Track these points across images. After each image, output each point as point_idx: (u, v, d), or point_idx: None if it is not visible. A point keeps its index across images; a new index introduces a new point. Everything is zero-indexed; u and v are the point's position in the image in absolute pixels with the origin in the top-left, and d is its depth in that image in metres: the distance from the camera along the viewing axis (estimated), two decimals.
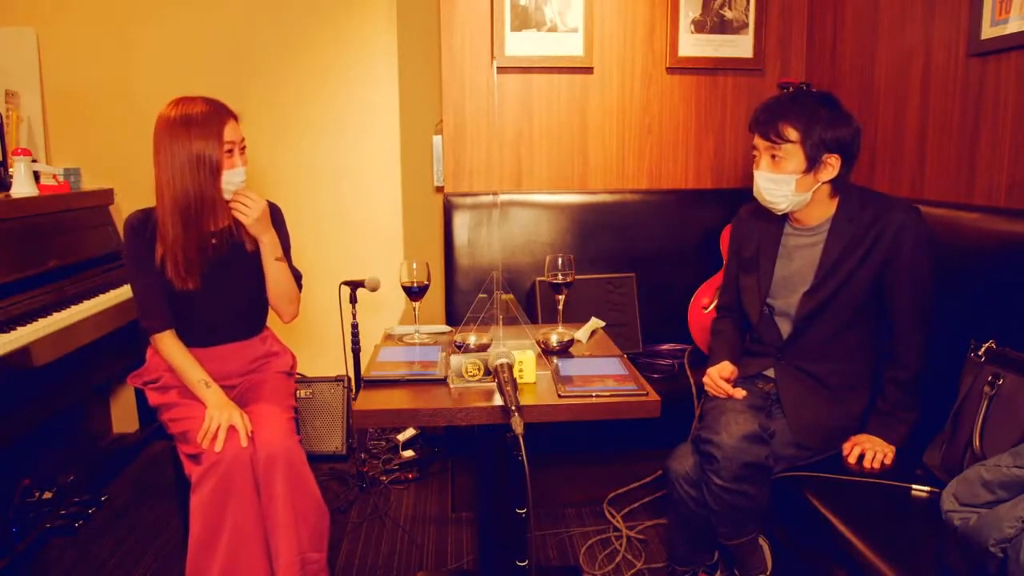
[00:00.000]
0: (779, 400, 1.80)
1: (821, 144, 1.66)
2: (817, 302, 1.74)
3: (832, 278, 1.72)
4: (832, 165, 1.69)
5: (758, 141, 1.74)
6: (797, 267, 1.80)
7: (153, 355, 1.84)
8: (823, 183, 1.71)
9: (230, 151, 1.72)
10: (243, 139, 1.77)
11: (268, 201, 1.87)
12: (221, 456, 1.60)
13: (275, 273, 1.84)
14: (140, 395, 2.95)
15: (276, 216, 1.90)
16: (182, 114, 1.68)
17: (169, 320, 1.77)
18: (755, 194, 1.77)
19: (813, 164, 1.68)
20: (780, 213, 1.77)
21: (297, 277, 1.94)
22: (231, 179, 1.73)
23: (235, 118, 1.76)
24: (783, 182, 1.70)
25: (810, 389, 1.77)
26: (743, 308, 1.92)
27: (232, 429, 1.66)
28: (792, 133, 1.67)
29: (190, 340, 1.81)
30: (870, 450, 1.68)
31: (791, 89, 1.79)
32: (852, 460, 1.69)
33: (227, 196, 1.75)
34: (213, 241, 1.77)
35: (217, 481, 1.59)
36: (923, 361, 1.70)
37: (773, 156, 1.71)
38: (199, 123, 1.68)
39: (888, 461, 1.67)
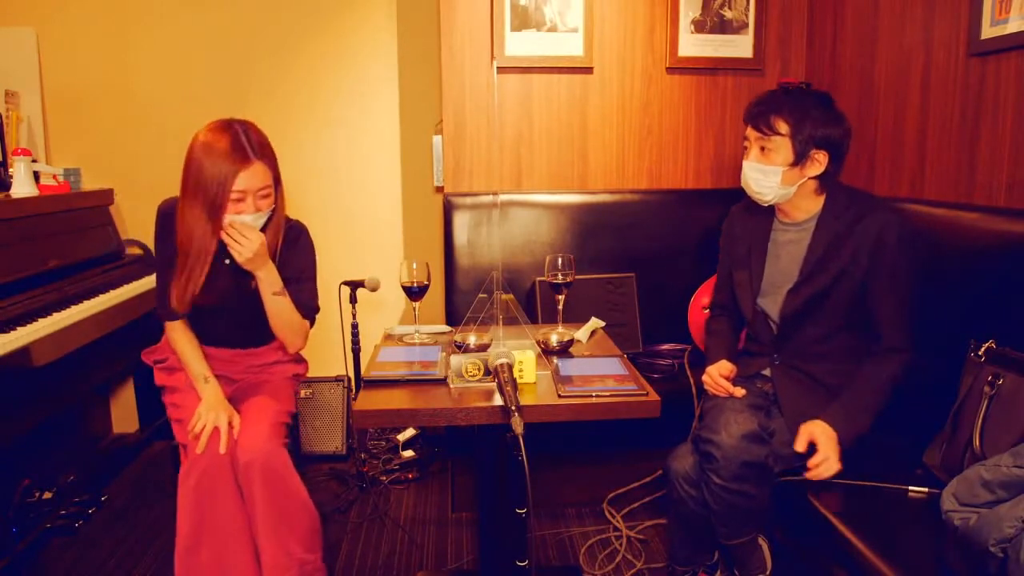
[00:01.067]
0: (777, 400, 1.80)
1: (810, 140, 1.70)
2: (802, 300, 1.75)
3: (817, 275, 1.73)
4: (819, 161, 1.71)
5: (749, 132, 1.77)
6: (784, 264, 1.82)
7: (167, 342, 1.87)
8: (809, 178, 1.73)
9: (239, 199, 1.62)
10: (267, 186, 1.65)
11: (295, 221, 1.83)
12: (201, 456, 1.62)
13: (274, 307, 1.74)
14: (140, 395, 2.95)
15: (301, 239, 1.83)
16: (207, 143, 1.61)
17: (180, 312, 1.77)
18: (743, 183, 1.81)
19: (800, 159, 1.71)
20: (766, 204, 1.80)
21: (312, 310, 1.84)
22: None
23: (263, 160, 1.63)
24: (770, 173, 1.73)
25: (808, 389, 1.77)
26: (738, 306, 1.93)
27: (216, 431, 1.66)
28: (782, 126, 1.70)
29: (204, 341, 1.83)
30: (822, 455, 1.61)
31: (790, 87, 1.82)
32: (801, 447, 1.64)
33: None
34: (227, 261, 1.73)
35: (199, 478, 1.60)
36: (903, 362, 1.70)
37: (763, 148, 1.74)
38: (215, 159, 1.59)
39: (830, 473, 1.60)
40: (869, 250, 1.69)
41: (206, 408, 1.69)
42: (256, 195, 1.64)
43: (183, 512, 1.59)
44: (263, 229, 1.71)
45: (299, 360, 1.98)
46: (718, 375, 1.85)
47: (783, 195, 1.75)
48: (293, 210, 2.01)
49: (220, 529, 1.61)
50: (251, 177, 1.61)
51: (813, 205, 1.78)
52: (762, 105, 1.75)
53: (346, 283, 2.62)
